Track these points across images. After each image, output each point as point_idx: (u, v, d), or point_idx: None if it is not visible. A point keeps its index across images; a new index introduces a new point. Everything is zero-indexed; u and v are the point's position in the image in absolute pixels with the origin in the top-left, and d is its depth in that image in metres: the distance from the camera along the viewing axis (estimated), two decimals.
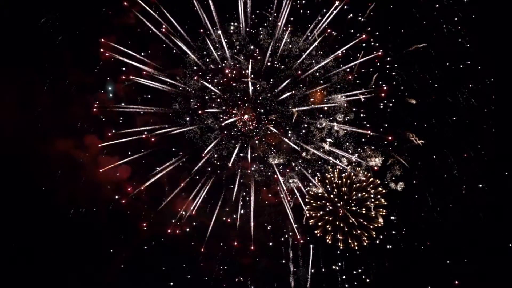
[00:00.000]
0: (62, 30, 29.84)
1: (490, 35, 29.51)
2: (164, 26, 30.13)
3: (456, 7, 30.45)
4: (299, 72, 31.75)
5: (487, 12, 29.60)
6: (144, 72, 30.63)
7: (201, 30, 31.07)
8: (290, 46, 31.76)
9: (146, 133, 30.65)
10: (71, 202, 30.41)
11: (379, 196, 31.01)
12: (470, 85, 30.15)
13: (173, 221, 31.67)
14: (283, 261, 32.35)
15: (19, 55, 29.00)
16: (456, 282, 30.47)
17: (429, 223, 30.60)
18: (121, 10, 30.64)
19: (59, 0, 29.91)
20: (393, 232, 31.25)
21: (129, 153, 30.90)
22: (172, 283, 32.23)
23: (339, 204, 31.02)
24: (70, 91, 30.55)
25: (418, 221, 31.07)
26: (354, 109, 31.52)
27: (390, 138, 30.80)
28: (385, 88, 30.80)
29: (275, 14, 31.40)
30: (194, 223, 32.08)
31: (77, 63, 30.47)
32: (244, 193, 32.24)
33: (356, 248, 31.25)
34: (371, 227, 30.90)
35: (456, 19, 30.34)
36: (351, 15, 30.99)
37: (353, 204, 30.94)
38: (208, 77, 31.97)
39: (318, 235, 31.63)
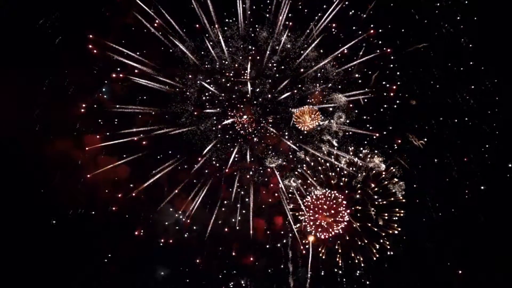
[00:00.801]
0: (59, 30, 29.54)
1: (492, 36, 28.88)
2: (157, 21, 29.71)
3: (455, 7, 29.92)
4: (302, 70, 31.29)
5: (489, 12, 28.99)
6: (137, 71, 30.29)
7: (197, 25, 30.64)
8: (289, 45, 31.35)
9: (141, 135, 30.45)
10: (62, 203, 30.24)
11: (395, 191, 30.10)
12: (472, 87, 29.59)
13: (166, 223, 31.74)
14: (283, 262, 32.32)
15: (14, 55, 28.84)
16: (460, 271, 30.17)
17: (429, 224, 30.25)
18: (117, 9, 30.40)
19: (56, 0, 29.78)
20: (396, 233, 30.75)
21: (124, 155, 30.65)
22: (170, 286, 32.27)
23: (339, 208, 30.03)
24: (64, 91, 30.23)
25: (418, 223, 30.69)
26: (356, 111, 31.17)
27: (399, 141, 30.14)
28: (394, 87, 30.28)
29: (272, 11, 31.09)
30: (193, 225, 32.04)
31: (69, 63, 30.03)
32: (243, 192, 32.16)
33: (363, 265, 30.15)
34: (383, 234, 29.71)
35: (458, 18, 29.80)
36: (352, 11, 30.53)
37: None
38: (206, 77, 31.71)
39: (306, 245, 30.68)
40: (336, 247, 30.77)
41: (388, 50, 29.88)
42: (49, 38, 29.18)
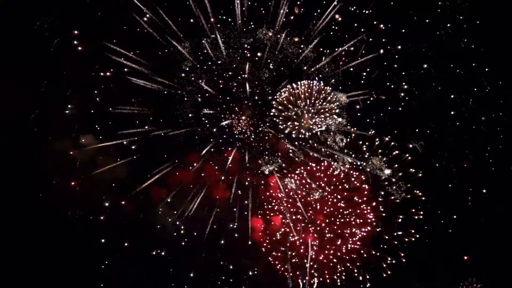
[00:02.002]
0: (55, 30, 28.80)
1: (494, 37, 28.54)
2: (153, 20, 28.94)
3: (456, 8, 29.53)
4: (301, 69, 30.38)
5: (490, 13, 28.62)
6: (126, 69, 29.46)
7: (194, 23, 29.86)
8: (289, 47, 30.69)
9: (135, 138, 29.88)
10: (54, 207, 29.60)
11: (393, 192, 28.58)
12: (475, 89, 29.25)
13: (161, 227, 31.15)
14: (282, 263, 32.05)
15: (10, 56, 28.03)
16: (465, 257, 29.60)
17: (429, 228, 29.83)
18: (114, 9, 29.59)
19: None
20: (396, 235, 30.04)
21: (118, 159, 30.13)
22: None
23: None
24: (60, 92, 29.56)
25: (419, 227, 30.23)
26: (359, 114, 30.64)
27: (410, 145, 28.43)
28: (405, 87, 29.65)
29: (271, 10, 30.34)
30: (189, 231, 31.65)
31: (65, 64, 29.40)
32: (240, 192, 31.64)
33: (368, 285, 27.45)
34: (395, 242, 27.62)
35: (460, 17, 29.33)
36: (354, 7, 30.00)
37: None
38: (203, 77, 31.06)
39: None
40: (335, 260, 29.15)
41: (399, 47, 29.06)
42: (44, 38, 28.59)
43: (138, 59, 29.64)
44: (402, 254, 27.58)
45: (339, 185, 30.30)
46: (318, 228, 29.59)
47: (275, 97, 29.15)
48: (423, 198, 27.70)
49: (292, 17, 30.23)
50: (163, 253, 31.05)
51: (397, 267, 26.57)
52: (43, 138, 29.42)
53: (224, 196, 31.39)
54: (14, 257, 28.70)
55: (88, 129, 30.40)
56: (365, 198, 29.01)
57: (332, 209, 29.87)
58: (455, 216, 28.98)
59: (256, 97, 31.08)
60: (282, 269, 31.24)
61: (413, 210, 28.06)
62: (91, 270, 30.56)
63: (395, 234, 27.92)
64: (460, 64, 29.51)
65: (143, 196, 30.64)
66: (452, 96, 29.74)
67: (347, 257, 27.85)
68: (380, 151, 30.51)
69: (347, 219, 28.54)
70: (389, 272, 27.07)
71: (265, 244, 31.95)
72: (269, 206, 31.94)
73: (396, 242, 27.61)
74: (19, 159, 28.88)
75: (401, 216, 28.01)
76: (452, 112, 29.87)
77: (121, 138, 30.00)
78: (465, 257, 29.44)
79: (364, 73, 30.68)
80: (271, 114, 29.63)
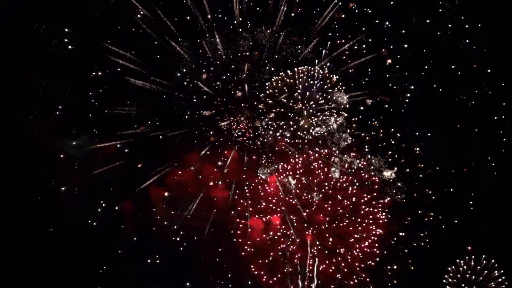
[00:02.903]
0: (54, 31, 28.81)
1: (497, 37, 28.19)
2: (151, 19, 28.77)
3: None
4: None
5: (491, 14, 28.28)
6: (124, 70, 29.25)
7: (191, 22, 29.74)
8: (287, 47, 30.48)
9: (131, 139, 29.72)
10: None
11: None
12: (476, 91, 28.98)
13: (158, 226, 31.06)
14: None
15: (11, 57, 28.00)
16: (469, 248, 29.04)
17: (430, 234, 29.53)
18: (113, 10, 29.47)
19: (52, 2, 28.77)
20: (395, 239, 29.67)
21: (117, 160, 29.96)
22: None
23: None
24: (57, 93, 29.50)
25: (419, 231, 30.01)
26: (360, 116, 30.20)
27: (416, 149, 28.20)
28: (412, 87, 29.15)
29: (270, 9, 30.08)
30: (187, 235, 31.61)
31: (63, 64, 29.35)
32: (238, 192, 31.54)
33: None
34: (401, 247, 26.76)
35: (462, 17, 28.96)
36: (354, 5, 29.79)
37: None
38: (201, 78, 30.91)
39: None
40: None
41: (405, 45, 28.50)
42: (43, 39, 28.56)
43: (137, 60, 29.50)
44: (410, 261, 26.79)
45: (340, 183, 29.97)
46: (315, 232, 29.33)
47: (266, 87, 27.81)
48: (433, 198, 27.07)
49: (292, 14, 29.96)
50: (162, 255, 31.02)
51: (404, 275, 25.37)
52: (42, 139, 29.32)
53: (223, 196, 31.32)
54: (14, 258, 28.66)
55: (86, 130, 30.29)
56: (375, 194, 27.62)
57: (333, 209, 29.55)
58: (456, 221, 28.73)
59: (255, 98, 30.94)
60: (281, 270, 31.21)
61: (419, 211, 27.34)
62: (90, 272, 30.48)
63: (396, 238, 27.50)
64: (461, 65, 29.26)
65: (142, 197, 30.58)
66: (452, 97, 29.51)
67: (349, 260, 27.30)
68: (379, 151, 30.34)
69: (351, 220, 27.90)
70: (395, 282, 25.97)
71: (263, 245, 31.84)
72: (270, 209, 31.68)
73: (401, 247, 26.94)
74: (17, 160, 28.84)
75: (408, 218, 27.63)
76: (452, 113, 29.63)
77: (119, 139, 29.88)
78: (469, 247, 28.68)
79: (366, 73, 30.42)
80: (261, 110, 29.07)
